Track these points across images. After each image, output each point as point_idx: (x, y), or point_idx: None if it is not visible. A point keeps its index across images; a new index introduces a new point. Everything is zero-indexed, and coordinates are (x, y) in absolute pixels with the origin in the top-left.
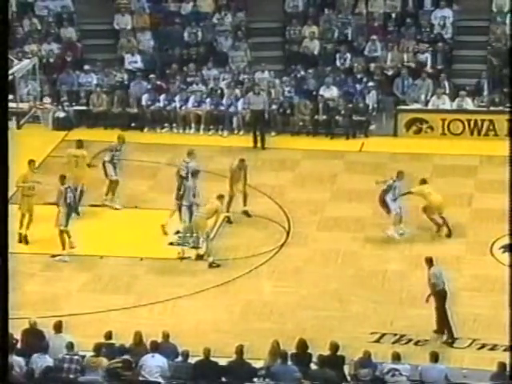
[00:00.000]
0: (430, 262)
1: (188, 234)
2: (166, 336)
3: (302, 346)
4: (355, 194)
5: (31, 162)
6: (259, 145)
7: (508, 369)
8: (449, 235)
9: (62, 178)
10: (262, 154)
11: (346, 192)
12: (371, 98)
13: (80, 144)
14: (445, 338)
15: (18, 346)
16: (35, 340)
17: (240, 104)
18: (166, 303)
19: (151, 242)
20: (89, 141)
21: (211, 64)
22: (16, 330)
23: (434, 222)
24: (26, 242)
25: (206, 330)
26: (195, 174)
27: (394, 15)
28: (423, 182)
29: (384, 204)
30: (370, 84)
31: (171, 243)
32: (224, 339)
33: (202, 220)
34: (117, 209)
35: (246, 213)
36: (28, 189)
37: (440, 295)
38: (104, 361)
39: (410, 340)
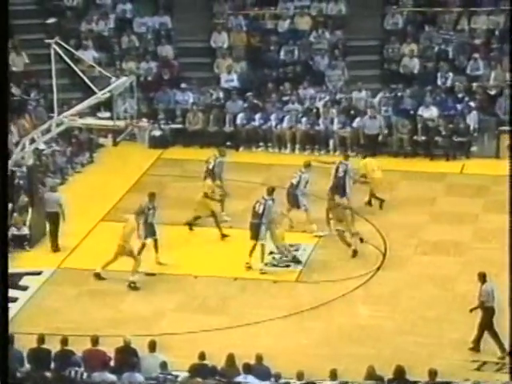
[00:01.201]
0: (483, 277)
1: (281, 254)
2: (259, 358)
3: (400, 372)
4: (455, 216)
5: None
6: None
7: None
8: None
9: (151, 196)
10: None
11: (445, 215)
12: (472, 119)
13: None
14: (499, 354)
15: (112, 363)
16: (129, 358)
17: (336, 124)
18: (260, 325)
19: (245, 262)
20: (184, 160)
21: (307, 83)
22: (109, 347)
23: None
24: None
25: (299, 353)
26: (270, 191)
27: (497, 32)
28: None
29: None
30: (472, 104)
31: (264, 266)
32: (318, 362)
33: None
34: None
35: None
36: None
37: (488, 312)
38: (199, 382)
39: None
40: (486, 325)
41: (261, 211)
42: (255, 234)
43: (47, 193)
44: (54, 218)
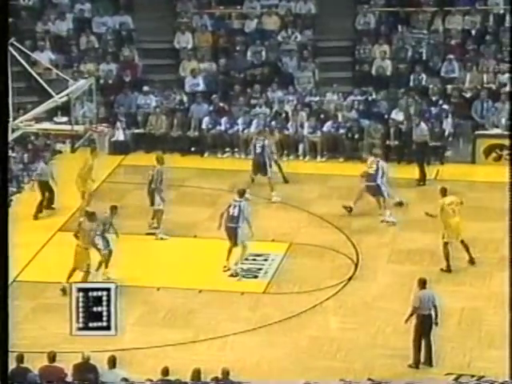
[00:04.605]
0: (422, 283)
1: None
2: (225, 373)
3: None
4: (429, 224)
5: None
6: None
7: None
8: None
9: (113, 209)
10: (329, 181)
11: (419, 222)
12: (447, 123)
13: (93, 151)
14: (411, 361)
15: (68, 380)
16: (87, 375)
17: (306, 128)
18: (226, 338)
19: (211, 273)
20: (146, 166)
21: (276, 85)
22: (67, 363)
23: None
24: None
25: (268, 368)
26: (242, 193)
27: (473, 32)
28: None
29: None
30: (447, 107)
31: (233, 274)
32: (287, 377)
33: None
34: (162, 239)
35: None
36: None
37: (419, 320)
38: None
39: (489, 382)
40: (423, 333)
41: (237, 214)
42: (234, 238)
43: (41, 163)
44: (45, 187)
